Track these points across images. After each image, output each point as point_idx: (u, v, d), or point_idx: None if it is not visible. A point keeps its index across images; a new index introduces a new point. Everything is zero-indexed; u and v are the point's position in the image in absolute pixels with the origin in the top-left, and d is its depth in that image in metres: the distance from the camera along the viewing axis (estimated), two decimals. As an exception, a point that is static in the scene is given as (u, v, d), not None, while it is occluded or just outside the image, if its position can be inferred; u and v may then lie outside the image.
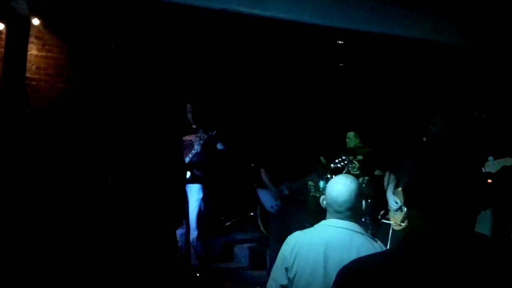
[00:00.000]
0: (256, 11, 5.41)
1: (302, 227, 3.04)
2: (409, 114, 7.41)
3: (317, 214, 3.08)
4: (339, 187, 2.88)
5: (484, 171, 4.56)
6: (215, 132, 6.57)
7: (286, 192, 6.12)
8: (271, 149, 6.53)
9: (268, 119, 8.21)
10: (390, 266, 1.44)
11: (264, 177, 6.35)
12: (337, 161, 6.35)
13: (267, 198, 6.29)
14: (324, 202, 2.95)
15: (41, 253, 6.19)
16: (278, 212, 6.17)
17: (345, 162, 6.61)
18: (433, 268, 1.38)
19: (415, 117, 6.50)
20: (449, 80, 7.35)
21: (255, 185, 6.62)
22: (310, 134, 6.42)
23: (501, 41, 5.72)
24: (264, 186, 6.36)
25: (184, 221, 6.84)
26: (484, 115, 6.70)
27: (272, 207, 6.20)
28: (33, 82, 7.33)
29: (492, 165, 4.55)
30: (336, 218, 2.85)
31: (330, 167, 6.30)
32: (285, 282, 2.81)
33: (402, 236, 1.52)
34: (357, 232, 2.81)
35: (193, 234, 6.71)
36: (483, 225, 5.48)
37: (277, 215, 6.19)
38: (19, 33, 6.97)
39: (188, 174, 6.69)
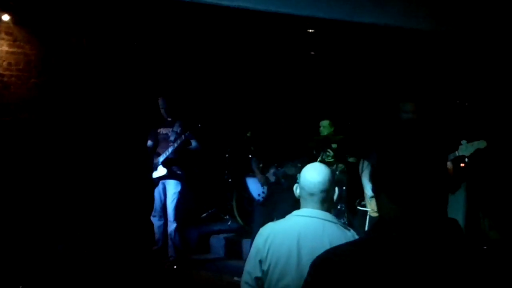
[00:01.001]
0: (225, 2, 5.38)
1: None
2: (382, 100, 7.45)
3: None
4: (313, 170, 2.91)
5: (457, 154, 4.62)
6: (188, 133, 6.52)
7: (273, 178, 6.13)
8: (256, 136, 6.52)
9: (241, 109, 8.23)
10: (362, 255, 1.46)
11: (254, 164, 6.37)
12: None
13: (255, 186, 6.29)
14: (298, 190, 2.96)
15: (11, 247, 6.18)
16: (264, 200, 6.19)
17: (327, 152, 6.68)
18: (403, 255, 1.40)
19: (388, 103, 6.54)
20: (420, 66, 7.40)
21: (248, 174, 6.58)
22: (289, 122, 6.40)
23: (469, 26, 5.77)
24: (253, 175, 6.37)
25: (162, 214, 6.84)
26: (458, 101, 6.76)
27: (259, 194, 6.20)
28: (5, 78, 7.27)
29: (465, 148, 4.58)
30: (310, 204, 2.86)
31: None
32: (259, 274, 2.80)
33: (372, 225, 1.53)
34: (329, 221, 2.82)
35: (171, 226, 6.73)
36: (457, 210, 5.55)
37: (263, 203, 6.19)
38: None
39: (165, 170, 6.68)
